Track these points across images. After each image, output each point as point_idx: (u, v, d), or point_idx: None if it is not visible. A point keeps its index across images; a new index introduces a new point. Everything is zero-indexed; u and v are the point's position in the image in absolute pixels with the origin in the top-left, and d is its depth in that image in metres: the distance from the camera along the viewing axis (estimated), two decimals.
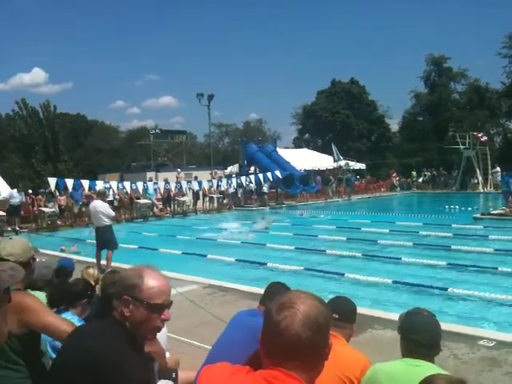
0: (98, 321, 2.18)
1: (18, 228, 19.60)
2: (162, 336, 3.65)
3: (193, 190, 24.16)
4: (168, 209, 24.41)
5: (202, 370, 1.67)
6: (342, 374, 2.50)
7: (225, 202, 27.11)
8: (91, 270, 4.84)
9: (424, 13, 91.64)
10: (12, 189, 22.58)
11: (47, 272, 4.10)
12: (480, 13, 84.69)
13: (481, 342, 5.61)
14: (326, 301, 1.76)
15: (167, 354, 3.65)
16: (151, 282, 2.08)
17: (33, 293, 3.11)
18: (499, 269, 9.40)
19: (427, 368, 2.35)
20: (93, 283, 4.56)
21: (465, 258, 10.93)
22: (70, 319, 3.58)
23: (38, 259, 3.99)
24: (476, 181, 32.45)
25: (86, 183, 19.03)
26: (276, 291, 3.46)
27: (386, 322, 6.45)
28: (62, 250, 13.86)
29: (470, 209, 21.62)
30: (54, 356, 3.26)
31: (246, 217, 21.74)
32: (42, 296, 3.73)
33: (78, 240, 16.19)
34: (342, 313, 2.85)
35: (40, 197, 21.78)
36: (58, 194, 21.10)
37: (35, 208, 21.35)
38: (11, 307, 2.65)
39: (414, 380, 2.26)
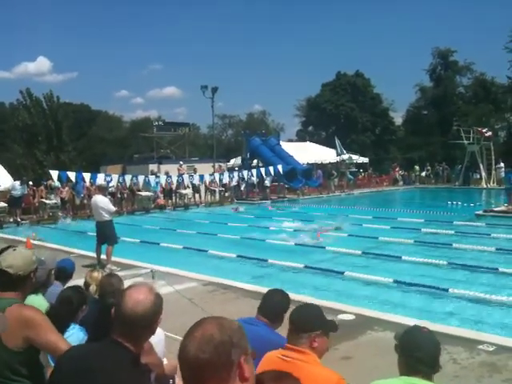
0: (101, 343, 2.14)
1: (19, 219, 19.60)
2: (159, 343, 3.63)
3: (193, 184, 24.14)
4: (169, 201, 24.38)
5: None
6: None
7: (226, 195, 27.04)
8: (95, 274, 4.79)
9: (431, 6, 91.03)
10: (14, 179, 22.58)
11: (42, 273, 4.03)
12: (487, 6, 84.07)
13: (481, 347, 5.57)
14: None
15: (164, 361, 3.63)
16: None
17: (32, 300, 3.09)
18: (500, 269, 9.35)
19: None
20: (94, 287, 4.54)
21: (466, 256, 10.88)
22: (78, 331, 3.59)
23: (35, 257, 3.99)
24: (479, 176, 32.33)
25: (87, 176, 19.02)
26: (273, 300, 3.44)
27: (385, 323, 6.43)
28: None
29: (472, 205, 21.56)
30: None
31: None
32: (41, 302, 3.72)
33: (81, 232, 16.22)
34: (295, 322, 2.64)
35: (42, 188, 21.78)
36: (60, 185, 21.12)
37: (36, 199, 21.35)
38: (16, 322, 2.65)
39: None
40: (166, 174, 22.97)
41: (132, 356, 2.09)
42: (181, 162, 27.23)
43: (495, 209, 18.56)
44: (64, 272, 5.17)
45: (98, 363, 1.96)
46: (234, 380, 1.48)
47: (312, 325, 2.61)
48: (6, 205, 19.95)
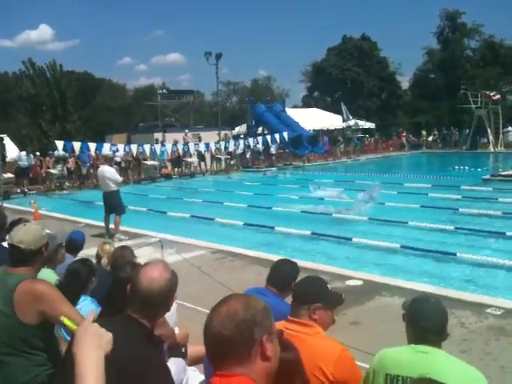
0: (117, 320, 2.18)
1: (26, 190, 19.70)
2: (172, 315, 3.66)
3: (199, 152, 24.10)
4: (176, 170, 24.38)
5: None
6: (313, 367, 2.28)
7: (232, 163, 26.99)
8: (107, 247, 4.83)
9: None
10: (20, 150, 22.60)
11: (51, 246, 4.05)
12: None
13: (488, 310, 5.61)
14: None
15: (176, 330, 3.68)
16: None
17: (41, 274, 3.11)
18: (507, 233, 9.35)
19: (435, 354, 2.33)
20: (106, 260, 4.56)
21: (473, 221, 10.86)
22: (90, 303, 3.63)
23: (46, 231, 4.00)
24: (486, 140, 32.05)
25: (92, 146, 18.98)
26: (282, 269, 3.45)
27: (393, 288, 6.47)
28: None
29: (479, 170, 21.45)
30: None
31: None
32: (50, 276, 3.74)
33: (87, 202, 16.30)
34: (296, 294, 2.66)
35: (48, 158, 21.80)
36: (67, 155, 21.18)
37: (43, 170, 21.41)
38: (29, 296, 2.68)
39: (422, 367, 2.25)
40: (175, 142, 22.86)
41: (147, 331, 2.13)
42: (186, 131, 27.10)
43: (502, 173, 18.42)
44: (74, 244, 5.22)
45: (115, 338, 1.99)
46: (254, 358, 1.52)
47: (312, 297, 2.58)
48: (13, 175, 20.03)
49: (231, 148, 25.03)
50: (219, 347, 1.51)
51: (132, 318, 2.12)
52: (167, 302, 2.21)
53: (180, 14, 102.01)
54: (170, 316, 3.49)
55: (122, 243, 7.75)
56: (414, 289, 6.26)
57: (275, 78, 70.07)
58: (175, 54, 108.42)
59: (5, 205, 15.46)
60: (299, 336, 2.40)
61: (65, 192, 19.96)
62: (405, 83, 58.42)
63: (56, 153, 21.31)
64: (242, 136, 29.49)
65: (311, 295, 2.59)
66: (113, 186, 10.72)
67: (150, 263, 2.27)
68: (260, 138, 25.65)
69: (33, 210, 12.85)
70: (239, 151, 26.22)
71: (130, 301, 2.16)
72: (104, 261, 4.67)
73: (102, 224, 10.97)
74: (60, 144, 19.05)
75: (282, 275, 3.37)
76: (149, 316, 2.15)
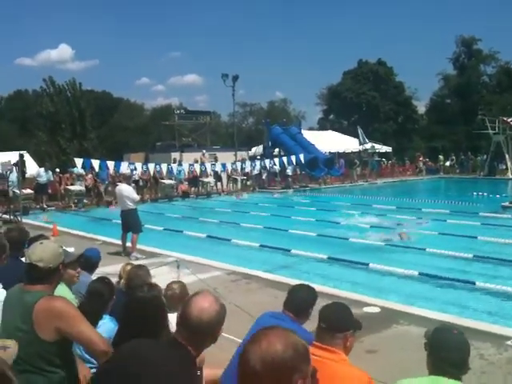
0: (165, 342, 2.26)
1: (45, 206, 19.91)
2: None
3: (215, 172, 24.25)
4: (192, 189, 24.52)
5: None
6: None
7: (248, 183, 27.08)
8: (129, 268, 4.83)
9: None
10: (39, 167, 22.94)
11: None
12: None
13: (508, 342, 5.49)
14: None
15: None
16: None
17: (57, 291, 3.13)
18: None
19: None
20: (124, 281, 4.58)
21: (492, 249, 10.70)
22: (109, 321, 3.64)
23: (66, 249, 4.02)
24: (505, 166, 31.78)
25: (111, 164, 19.19)
26: (299, 294, 3.43)
27: (411, 317, 6.38)
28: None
29: (498, 196, 21.22)
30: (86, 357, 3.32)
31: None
32: (68, 294, 3.76)
33: (104, 219, 16.41)
34: (330, 321, 2.65)
35: (67, 175, 22.06)
36: (83, 172, 21.41)
37: (62, 186, 21.64)
38: (48, 313, 2.70)
39: None
40: (196, 161, 23.06)
41: (192, 358, 2.19)
42: (203, 151, 27.30)
43: None
44: (90, 261, 5.14)
45: (161, 358, 2.06)
46: None
47: (346, 324, 2.65)
48: (32, 191, 20.28)
49: (247, 169, 25.13)
50: (253, 381, 1.47)
51: (179, 343, 2.18)
52: (215, 332, 2.26)
53: (197, 35, 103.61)
54: None
55: (139, 262, 7.77)
56: (432, 318, 6.17)
57: (291, 100, 70.53)
58: (192, 75, 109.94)
59: (24, 220, 15.67)
60: (326, 362, 2.41)
61: (82, 210, 20.13)
62: (421, 108, 58.60)
63: (75, 170, 21.57)
64: (258, 157, 29.63)
65: (345, 322, 2.66)
66: (130, 204, 10.80)
67: (200, 293, 2.34)
68: (277, 160, 25.75)
69: (51, 227, 12.98)
70: (255, 172, 26.32)
71: (178, 327, 2.23)
72: (122, 282, 4.69)
73: (120, 242, 11.03)
74: (79, 161, 19.31)
75: (300, 301, 3.35)
76: (195, 344, 2.20)
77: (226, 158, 26.09)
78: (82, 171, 21.17)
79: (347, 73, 57.24)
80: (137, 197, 11.34)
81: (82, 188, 21.17)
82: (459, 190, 26.48)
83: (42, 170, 20.74)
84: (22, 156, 17.06)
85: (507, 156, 31.24)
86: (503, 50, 60.57)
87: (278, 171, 27.52)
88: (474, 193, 22.45)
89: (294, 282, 6.96)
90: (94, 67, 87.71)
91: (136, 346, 2.28)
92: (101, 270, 5.71)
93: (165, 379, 1.92)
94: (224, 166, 23.53)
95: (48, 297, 2.78)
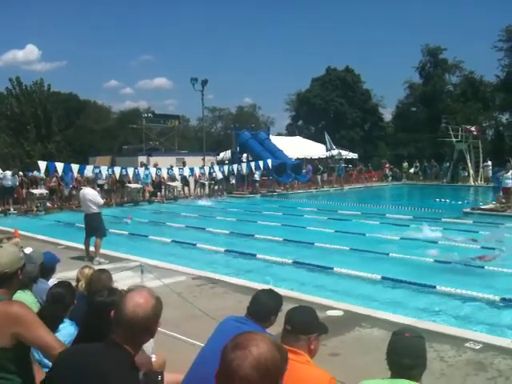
0: (100, 345, 2.19)
1: (11, 209, 19.43)
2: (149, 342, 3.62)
3: (183, 176, 24.11)
4: (159, 194, 24.32)
5: None
6: None
7: (216, 188, 27.02)
8: (87, 270, 4.73)
9: (421, 3, 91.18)
10: (3, 169, 22.34)
11: (33, 268, 3.95)
12: (478, 5, 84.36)
13: (467, 345, 5.61)
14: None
15: (153, 357, 3.63)
16: None
17: (19, 296, 3.05)
18: (486, 267, 9.43)
19: None
20: (84, 284, 4.49)
21: (454, 254, 10.94)
22: (69, 326, 3.58)
23: (24, 251, 3.93)
24: (467, 174, 32.59)
25: (75, 168, 18.86)
26: (263, 300, 3.41)
27: (373, 320, 6.46)
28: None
29: (460, 202, 21.75)
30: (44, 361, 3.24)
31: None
32: (30, 299, 3.67)
33: (68, 224, 16.11)
34: (294, 324, 2.69)
35: (30, 178, 21.59)
36: (45, 176, 21.02)
37: (25, 190, 21.15)
38: (4, 319, 2.62)
39: None
40: (155, 166, 22.85)
41: (130, 358, 2.12)
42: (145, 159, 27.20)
43: (483, 207, 18.70)
44: (44, 267, 4.76)
45: (98, 362, 1.98)
46: None
47: (310, 327, 2.69)
48: None
49: (216, 173, 25.11)
50: None
51: (115, 343, 2.11)
52: (152, 328, 2.21)
53: (168, 39, 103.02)
54: (147, 343, 3.45)
55: (102, 266, 7.66)
56: (394, 321, 6.27)
57: (260, 105, 70.91)
58: (162, 79, 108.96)
59: None
60: (290, 363, 2.41)
61: (42, 213, 19.69)
62: (387, 115, 59.58)
63: (38, 173, 21.11)
64: (226, 162, 29.59)
65: (309, 325, 2.70)
66: (94, 208, 10.64)
67: (135, 289, 2.28)
68: (244, 165, 25.80)
69: (13, 230, 12.66)
70: (223, 177, 26.30)
71: (114, 326, 2.15)
72: (81, 284, 4.60)
73: (83, 246, 10.85)
74: (43, 164, 18.90)
75: (262, 306, 3.31)
76: (132, 342, 2.14)
77: (194, 162, 25.99)
78: (42, 175, 20.75)
79: (316, 79, 57.74)
80: (101, 201, 11.18)
81: (45, 191, 20.74)
82: (422, 197, 27.02)
83: (9, 173, 20.20)
84: None
85: (469, 164, 32.04)
86: (467, 59, 62.14)
87: (245, 176, 27.55)
88: (437, 199, 22.96)
89: (260, 286, 7.01)
90: (62, 68, 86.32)
91: (74, 352, 2.23)
92: (63, 275, 5.61)
93: (104, 383, 1.88)
94: (192, 170, 23.41)
95: (5, 301, 2.71)
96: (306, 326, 2.68)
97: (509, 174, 18.58)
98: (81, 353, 2.21)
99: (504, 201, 18.26)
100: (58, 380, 2.13)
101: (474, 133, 32.11)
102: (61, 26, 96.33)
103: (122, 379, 2.04)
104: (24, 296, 3.51)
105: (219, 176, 25.89)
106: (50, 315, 3.33)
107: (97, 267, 5.52)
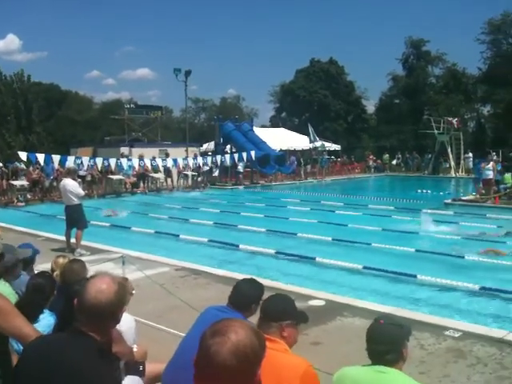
0: (65, 334, 2.16)
1: None
2: (129, 330, 3.61)
3: (166, 167, 23.97)
4: (141, 185, 24.17)
5: None
6: (279, 381, 2.31)
7: (199, 179, 26.95)
8: (61, 260, 4.69)
9: None
10: None
11: (9, 258, 3.91)
12: None
13: (447, 333, 5.68)
14: None
15: (134, 347, 3.61)
16: None
17: None
18: (466, 257, 9.55)
19: (392, 374, 2.35)
20: (59, 274, 4.44)
21: (434, 244, 11.07)
22: (48, 316, 3.55)
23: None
24: (448, 165, 32.93)
25: (56, 158, 18.65)
26: (244, 289, 3.42)
27: (355, 309, 6.51)
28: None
29: (441, 193, 21.98)
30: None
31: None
32: (7, 290, 3.62)
33: (50, 216, 15.94)
34: (266, 311, 2.71)
35: (11, 170, 21.30)
36: (26, 167, 20.76)
37: (5, 181, 20.86)
38: None
39: None
40: (140, 157, 22.67)
41: (97, 345, 2.08)
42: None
43: (463, 198, 18.93)
44: (25, 259, 4.86)
45: (62, 353, 1.94)
46: None
47: (282, 314, 2.66)
48: None
49: (199, 165, 25.03)
50: (219, 375, 1.43)
51: (80, 331, 2.08)
52: (116, 313, 2.18)
53: (151, 29, 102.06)
54: (127, 331, 3.44)
55: (83, 258, 7.59)
56: (375, 310, 6.31)
57: (244, 97, 70.72)
58: (145, 70, 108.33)
59: None
60: (268, 351, 2.41)
61: (22, 204, 19.46)
62: (370, 107, 59.85)
63: (19, 164, 20.84)
64: (209, 153, 29.49)
65: (282, 313, 2.67)
66: (75, 199, 10.53)
67: (96, 275, 2.26)
68: (228, 156, 25.74)
69: None
70: (206, 168, 26.22)
71: (77, 314, 2.13)
72: (57, 274, 4.55)
73: (63, 238, 10.74)
74: (23, 155, 18.66)
75: (242, 295, 3.32)
76: (97, 329, 2.11)
77: (177, 153, 25.85)
78: (23, 166, 20.49)
79: (300, 71, 57.72)
80: (81, 192, 11.08)
81: (26, 183, 20.49)
82: (404, 188, 27.24)
83: None
84: None
85: (451, 155, 32.36)
86: (450, 52, 62.49)
87: (229, 167, 27.50)
88: (419, 190, 23.17)
89: (242, 276, 6.98)
90: (43, 59, 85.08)
91: (37, 344, 2.19)
92: (44, 267, 5.52)
93: (70, 373, 1.85)
94: (175, 161, 23.29)
95: None
96: (278, 312, 2.67)
97: (489, 165, 18.84)
98: (43, 344, 2.18)
99: (484, 192, 18.51)
100: (22, 375, 2.09)
101: (455, 126, 32.40)
102: (42, 15, 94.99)
103: (91, 368, 2.00)
104: (1, 286, 3.46)
105: (205, 168, 25.82)
106: (30, 305, 3.29)
107: (69, 256, 5.45)
